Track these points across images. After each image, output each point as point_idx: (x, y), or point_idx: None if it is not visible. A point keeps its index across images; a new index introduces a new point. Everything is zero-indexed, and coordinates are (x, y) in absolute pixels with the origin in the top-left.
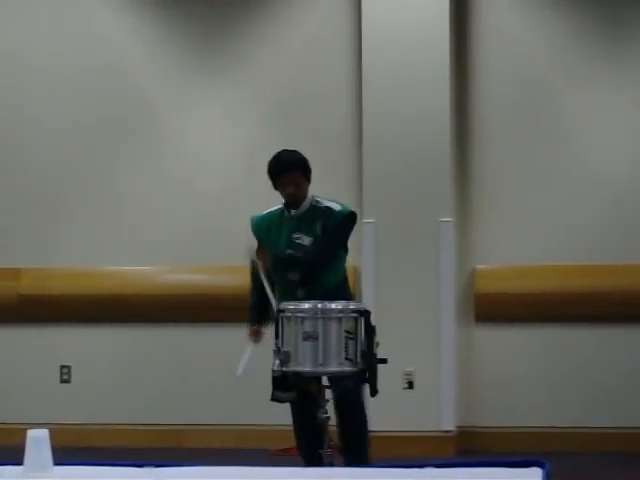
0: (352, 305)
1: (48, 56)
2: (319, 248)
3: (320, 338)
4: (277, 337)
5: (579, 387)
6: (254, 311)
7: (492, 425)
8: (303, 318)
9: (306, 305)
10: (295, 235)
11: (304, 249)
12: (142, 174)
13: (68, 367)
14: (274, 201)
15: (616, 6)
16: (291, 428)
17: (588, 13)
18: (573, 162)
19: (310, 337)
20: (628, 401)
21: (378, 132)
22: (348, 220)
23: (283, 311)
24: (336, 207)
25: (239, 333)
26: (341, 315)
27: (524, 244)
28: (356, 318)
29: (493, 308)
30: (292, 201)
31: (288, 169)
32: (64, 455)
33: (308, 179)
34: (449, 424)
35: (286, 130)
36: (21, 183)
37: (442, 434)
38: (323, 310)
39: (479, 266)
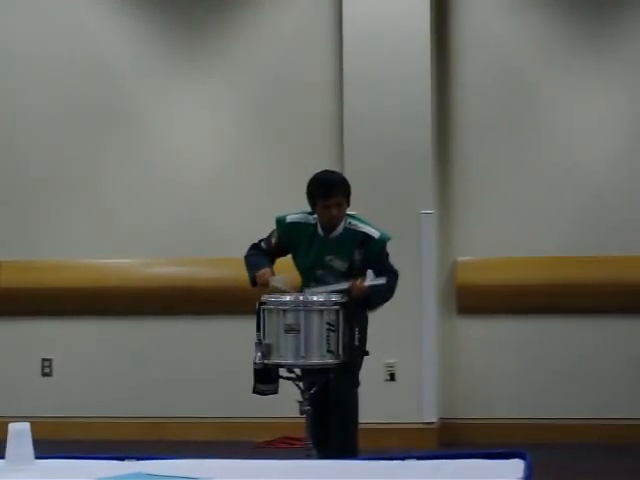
0: (333, 297)
1: (32, 48)
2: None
3: (302, 330)
4: (259, 329)
5: (560, 378)
6: (259, 257)
7: (474, 417)
8: (285, 310)
9: (288, 297)
10: (328, 257)
11: (336, 272)
12: (124, 167)
13: (49, 360)
14: (256, 194)
15: None
16: (274, 420)
17: (569, 4)
18: (555, 154)
19: (292, 329)
20: (609, 392)
21: (359, 125)
22: (386, 244)
23: (265, 303)
24: (374, 234)
25: (221, 325)
26: (323, 307)
27: (505, 236)
28: (337, 310)
29: (475, 300)
30: (332, 224)
31: (334, 193)
32: (46, 448)
33: (348, 202)
34: (431, 416)
35: (268, 124)
36: (1, 176)
37: (424, 426)
38: (305, 302)
39: (461, 258)
